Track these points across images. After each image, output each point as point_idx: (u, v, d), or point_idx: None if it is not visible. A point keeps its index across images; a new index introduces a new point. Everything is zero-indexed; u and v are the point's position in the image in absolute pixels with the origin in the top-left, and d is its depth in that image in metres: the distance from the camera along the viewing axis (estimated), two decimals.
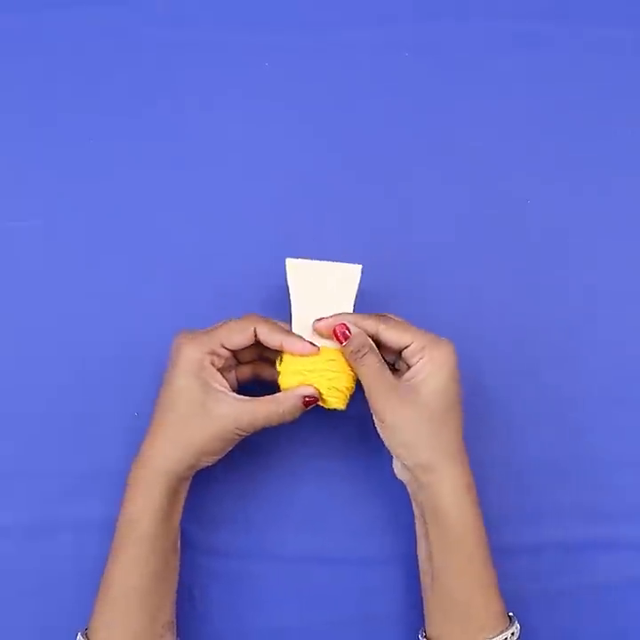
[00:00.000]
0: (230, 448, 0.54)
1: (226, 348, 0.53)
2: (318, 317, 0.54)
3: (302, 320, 0.55)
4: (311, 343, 0.53)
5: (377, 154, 0.65)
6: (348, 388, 0.55)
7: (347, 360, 0.54)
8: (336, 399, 0.54)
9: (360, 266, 0.55)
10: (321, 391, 0.53)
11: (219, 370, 0.53)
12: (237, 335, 0.53)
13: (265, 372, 0.57)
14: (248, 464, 0.60)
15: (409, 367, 0.53)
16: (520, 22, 0.67)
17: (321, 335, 0.54)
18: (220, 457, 0.54)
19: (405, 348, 0.53)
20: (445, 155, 0.65)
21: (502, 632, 0.51)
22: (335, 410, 0.55)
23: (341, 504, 0.60)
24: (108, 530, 0.58)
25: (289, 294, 0.55)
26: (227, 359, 0.54)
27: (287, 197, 0.64)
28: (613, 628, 0.60)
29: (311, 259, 0.56)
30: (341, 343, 0.53)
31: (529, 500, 0.61)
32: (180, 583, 0.58)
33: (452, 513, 0.52)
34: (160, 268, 0.63)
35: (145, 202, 0.64)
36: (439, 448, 0.52)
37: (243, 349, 0.54)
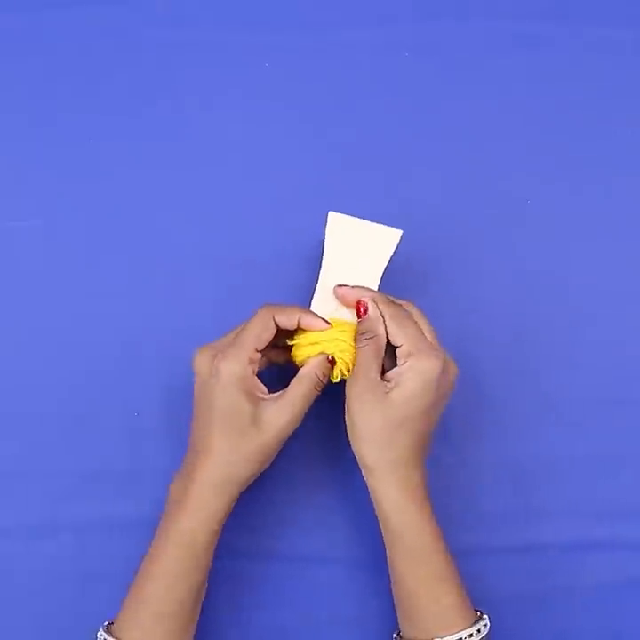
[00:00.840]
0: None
1: (258, 351, 0.53)
2: (348, 274, 0.55)
3: (331, 275, 0.56)
4: (325, 320, 0.54)
5: (377, 154, 0.65)
6: (351, 362, 0.55)
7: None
8: (339, 370, 0.55)
9: (401, 231, 0.56)
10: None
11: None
12: (265, 333, 0.53)
13: (277, 356, 0.57)
14: None
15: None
16: (520, 22, 0.67)
17: (339, 301, 0.55)
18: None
19: (397, 347, 0.53)
20: (445, 155, 0.65)
21: (463, 629, 0.51)
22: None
23: (341, 504, 0.60)
24: (108, 530, 0.59)
25: (323, 247, 0.56)
26: (258, 360, 0.54)
27: (287, 197, 0.64)
28: (611, 628, 0.60)
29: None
30: (359, 318, 0.54)
31: (526, 499, 0.61)
32: None
33: (393, 516, 0.52)
34: (160, 268, 0.63)
35: (145, 202, 0.64)
36: (387, 453, 0.52)
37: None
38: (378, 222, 0.56)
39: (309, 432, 0.61)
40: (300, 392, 0.53)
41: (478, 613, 0.53)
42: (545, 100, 0.66)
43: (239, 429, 0.51)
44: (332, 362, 0.54)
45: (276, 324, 0.53)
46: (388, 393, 0.52)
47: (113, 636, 0.51)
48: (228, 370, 0.51)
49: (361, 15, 0.67)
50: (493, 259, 0.64)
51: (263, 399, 0.52)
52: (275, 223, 0.64)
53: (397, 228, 0.57)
